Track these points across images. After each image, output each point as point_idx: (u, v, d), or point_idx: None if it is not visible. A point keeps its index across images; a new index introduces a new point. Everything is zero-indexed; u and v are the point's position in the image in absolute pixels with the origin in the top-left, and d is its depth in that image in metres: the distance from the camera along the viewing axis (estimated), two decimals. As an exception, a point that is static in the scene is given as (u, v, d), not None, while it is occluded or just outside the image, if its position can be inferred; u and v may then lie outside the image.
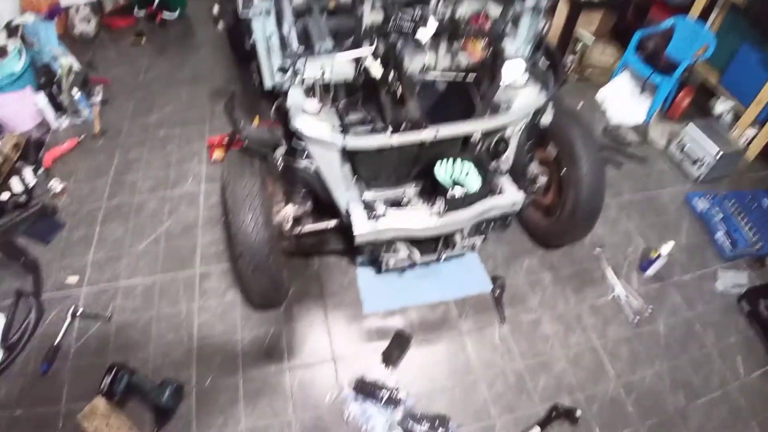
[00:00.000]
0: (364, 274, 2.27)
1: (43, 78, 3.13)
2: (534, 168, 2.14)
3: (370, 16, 1.76)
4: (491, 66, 1.79)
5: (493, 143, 1.82)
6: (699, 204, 2.74)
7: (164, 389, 1.80)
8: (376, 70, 1.62)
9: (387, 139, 1.63)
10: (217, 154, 2.83)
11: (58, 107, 3.12)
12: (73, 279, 2.27)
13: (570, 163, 1.99)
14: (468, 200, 1.75)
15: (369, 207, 1.77)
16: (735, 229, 2.61)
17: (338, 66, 1.73)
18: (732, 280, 2.39)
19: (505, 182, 1.89)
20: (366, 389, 1.87)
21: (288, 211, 1.93)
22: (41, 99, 3.00)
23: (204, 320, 2.12)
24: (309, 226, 1.97)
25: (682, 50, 3.23)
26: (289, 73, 1.68)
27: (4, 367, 1.95)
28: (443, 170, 1.74)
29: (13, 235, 2.39)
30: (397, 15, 1.62)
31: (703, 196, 2.78)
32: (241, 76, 3.51)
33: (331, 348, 2.05)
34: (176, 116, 3.20)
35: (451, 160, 1.76)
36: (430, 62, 1.82)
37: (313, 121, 1.63)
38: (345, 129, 1.74)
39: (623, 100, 3.37)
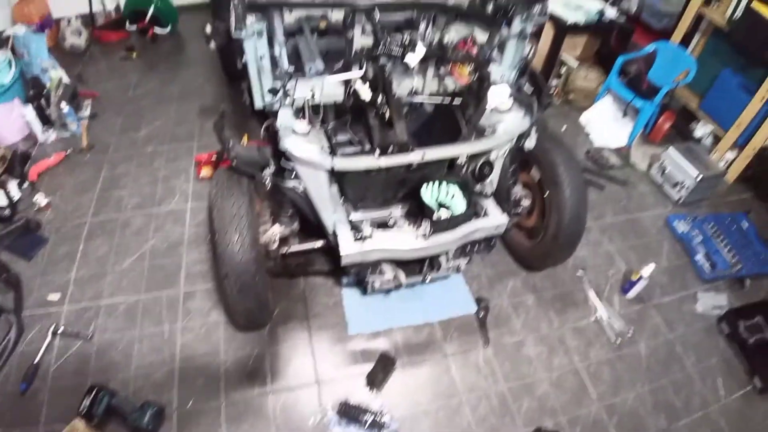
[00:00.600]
0: (350, 295, 2.27)
1: (32, 90, 3.12)
2: (518, 191, 2.18)
3: (360, 40, 1.79)
4: (477, 90, 1.83)
5: (478, 166, 1.85)
6: (679, 226, 2.79)
7: (145, 412, 1.77)
8: (365, 93, 1.65)
9: (375, 161, 1.65)
10: (205, 171, 2.83)
11: (46, 120, 3.11)
12: (54, 296, 2.24)
13: (553, 187, 2.03)
14: (453, 222, 1.78)
15: (356, 228, 1.79)
16: (714, 251, 2.67)
17: (328, 88, 1.76)
18: (712, 302, 2.43)
19: (490, 205, 1.92)
20: (350, 413, 1.86)
21: (275, 231, 1.93)
22: (29, 111, 2.99)
23: (187, 341, 2.10)
24: (295, 247, 1.97)
25: (663, 75, 3.33)
26: (280, 94, 1.70)
27: (-18, 385, 1.91)
28: (429, 193, 1.77)
29: (-5, 250, 2.35)
30: (387, 40, 1.65)
31: (684, 218, 2.84)
32: (231, 93, 3.53)
33: (315, 370, 2.04)
34: (165, 132, 3.20)
35: (436, 183, 1.79)
36: (418, 86, 1.86)
37: (302, 142, 1.64)
38: (333, 150, 1.76)
39: (606, 124, 3.45)
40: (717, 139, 3.28)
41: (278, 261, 1.97)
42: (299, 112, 1.74)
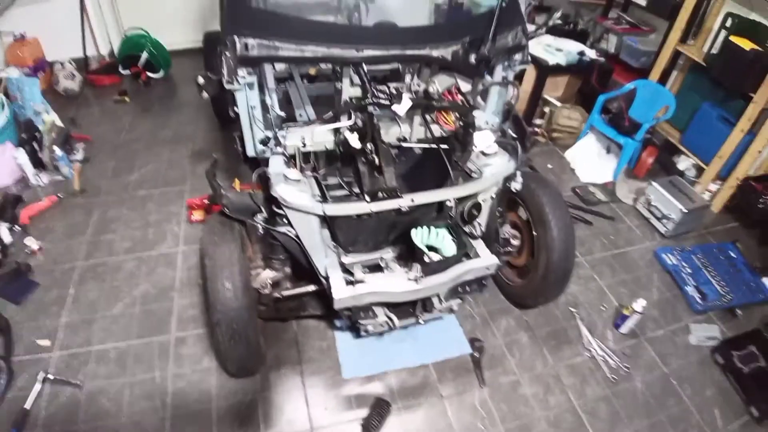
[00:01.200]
0: (343, 338, 2.26)
1: (25, 134, 3.14)
2: (507, 231, 2.21)
3: (349, 90, 1.85)
4: (463, 136, 1.88)
5: (466, 208, 1.88)
6: (668, 259, 2.83)
7: (135, 463, 1.73)
8: (354, 142, 1.70)
9: (365, 206, 1.68)
10: (197, 215, 2.84)
11: (39, 163, 3.12)
12: (44, 342, 2.20)
13: (541, 227, 2.07)
14: (444, 265, 1.79)
15: (347, 272, 1.80)
16: (704, 282, 2.70)
17: (318, 136, 1.80)
18: (704, 333, 2.44)
19: (480, 246, 1.94)
20: (345, 460, 1.82)
21: (267, 276, 1.94)
22: (21, 155, 3.01)
23: (179, 388, 2.06)
24: (288, 291, 1.97)
25: (644, 111, 3.44)
26: (271, 143, 1.74)
27: (-29, 432, 1.86)
28: (419, 237, 1.79)
29: (-16, 295, 2.33)
30: (374, 91, 1.71)
31: (672, 251, 2.88)
32: (223, 137, 3.58)
33: (309, 417, 2.00)
34: (156, 176, 3.22)
35: (426, 227, 1.82)
36: (405, 133, 1.91)
37: (293, 190, 1.67)
38: (324, 196, 1.79)
39: (591, 160, 3.53)
40: (700, 171, 3.37)
41: (270, 305, 1.97)
42: (290, 160, 1.78)
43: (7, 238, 2.64)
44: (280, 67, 1.94)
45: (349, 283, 1.76)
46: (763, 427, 2.10)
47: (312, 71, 2.53)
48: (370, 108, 1.74)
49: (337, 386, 2.10)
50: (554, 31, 4.02)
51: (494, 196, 1.92)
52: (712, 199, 3.29)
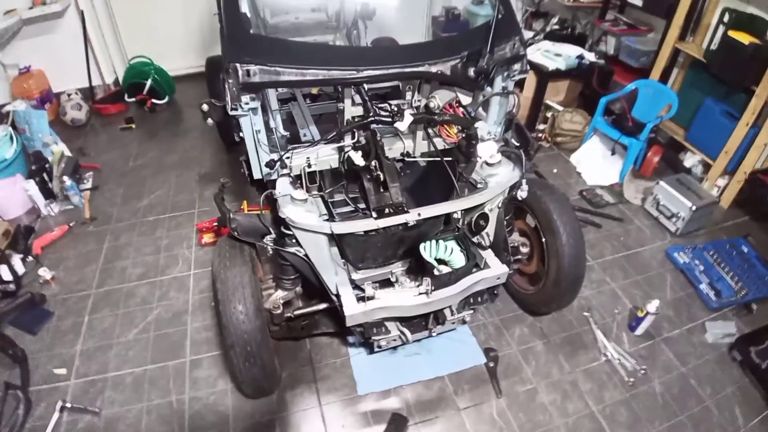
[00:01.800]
0: (357, 355, 2.26)
1: (34, 165, 3.20)
2: (515, 239, 2.21)
3: (351, 109, 1.87)
4: (466, 148, 1.89)
5: (473, 219, 1.88)
6: (680, 257, 2.81)
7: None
8: (358, 160, 1.72)
9: (372, 223, 1.70)
10: (207, 237, 2.87)
11: (49, 194, 3.18)
12: (61, 371, 2.22)
13: (549, 234, 2.07)
14: (454, 277, 1.80)
15: (358, 288, 1.81)
16: (718, 278, 2.67)
17: (322, 156, 1.83)
18: (721, 331, 2.42)
19: (489, 256, 1.94)
20: (364, 478, 1.82)
21: (278, 296, 1.95)
22: (32, 186, 3.06)
23: (195, 411, 2.07)
24: (299, 310, 1.98)
25: (647, 111, 3.43)
26: (277, 165, 1.77)
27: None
28: (428, 251, 1.80)
29: (0, 325, 2.36)
30: (375, 109, 1.74)
31: (683, 249, 2.86)
32: (229, 160, 3.63)
33: (326, 436, 2.00)
34: (166, 201, 3.26)
35: (434, 240, 1.82)
36: (409, 147, 1.93)
37: (300, 210, 1.69)
38: (331, 215, 1.81)
39: (596, 163, 3.52)
40: (707, 168, 3.35)
41: (283, 325, 1.98)
42: (297, 180, 1.80)
43: (21, 269, 2.68)
44: (282, 88, 1.97)
45: (360, 299, 1.77)
46: (784, 421, 2.08)
47: (314, 91, 2.57)
48: (373, 126, 1.76)
49: (353, 403, 2.10)
50: (552, 36, 4.06)
51: (500, 205, 1.92)
52: (721, 194, 3.27)
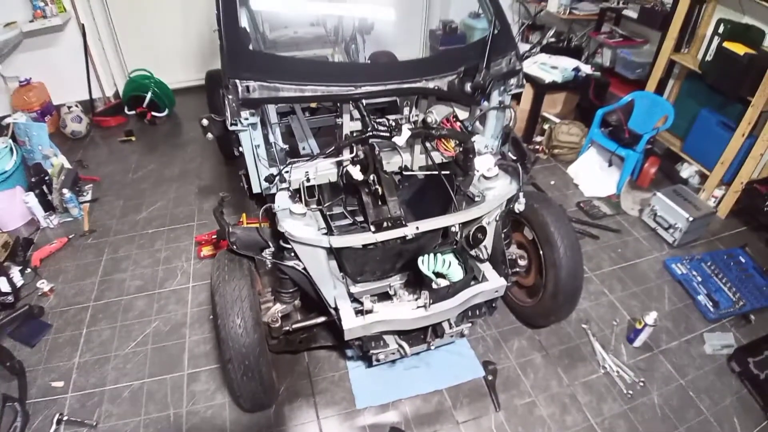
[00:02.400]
0: (355, 368, 2.25)
1: (34, 177, 3.21)
2: (513, 252, 2.22)
3: (349, 124, 1.89)
4: (464, 161, 1.91)
5: (471, 232, 1.90)
6: (678, 269, 2.81)
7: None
8: (356, 174, 1.73)
9: (370, 237, 1.70)
10: (206, 250, 2.88)
11: (48, 206, 3.18)
12: (58, 383, 2.21)
13: (547, 246, 2.08)
14: (452, 290, 1.80)
15: (357, 302, 1.81)
16: (716, 289, 2.68)
17: (321, 170, 1.84)
18: (719, 342, 2.42)
19: (487, 269, 1.95)
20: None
21: (277, 309, 1.95)
22: (31, 198, 3.06)
23: (193, 425, 2.06)
24: (298, 323, 1.98)
25: (643, 122, 3.46)
26: (276, 180, 1.78)
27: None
28: (426, 265, 1.80)
29: (-1, 337, 2.36)
30: (374, 124, 1.75)
31: (681, 260, 2.86)
32: (228, 173, 3.65)
33: (324, 450, 2.00)
34: (165, 214, 3.27)
35: (432, 254, 1.83)
36: (407, 161, 1.94)
37: (299, 224, 1.70)
38: (330, 229, 1.82)
39: (593, 174, 3.54)
40: (704, 178, 3.37)
41: (281, 338, 1.98)
42: (296, 194, 1.81)
43: (19, 281, 2.68)
44: (282, 103, 1.99)
45: (359, 312, 1.77)
46: (783, 432, 2.07)
47: (313, 104, 2.59)
48: (371, 140, 1.77)
49: (352, 417, 2.09)
50: (548, 48, 4.10)
51: (498, 218, 1.94)
52: (718, 205, 3.29)
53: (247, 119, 1.65)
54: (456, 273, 1.82)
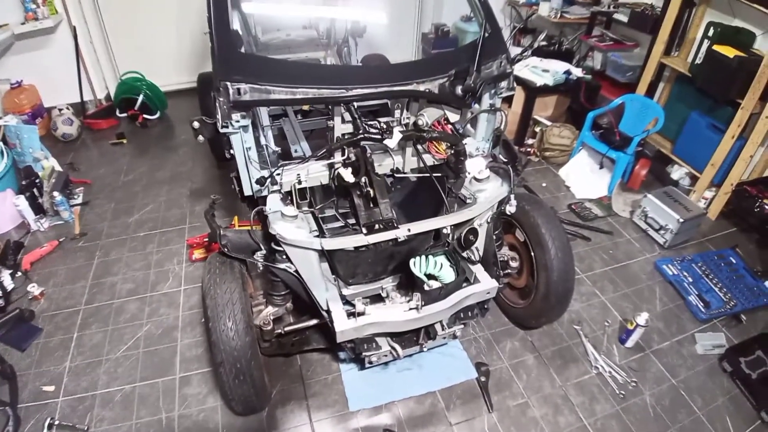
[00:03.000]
0: (348, 370, 2.25)
1: (25, 180, 3.18)
2: (505, 253, 2.23)
3: (341, 127, 1.89)
4: (455, 164, 1.91)
5: (463, 234, 1.90)
6: (669, 270, 2.84)
7: None
8: (348, 176, 1.73)
9: (362, 239, 1.70)
10: (197, 253, 2.86)
11: (39, 209, 3.16)
12: (49, 388, 2.20)
13: (538, 248, 2.09)
14: (444, 292, 1.80)
15: (349, 304, 1.81)
16: (707, 290, 2.70)
17: (312, 172, 1.84)
18: (710, 342, 2.44)
19: (479, 271, 1.95)
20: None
21: (269, 312, 1.95)
22: (22, 201, 3.04)
23: (185, 428, 2.05)
24: (290, 326, 1.98)
25: (634, 125, 3.49)
26: (267, 182, 1.78)
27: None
28: (417, 267, 1.81)
29: (-12, 342, 2.34)
30: (365, 127, 1.76)
31: (672, 261, 2.89)
32: (220, 176, 3.64)
33: (317, 454, 1.99)
34: (156, 216, 3.26)
35: (424, 255, 1.83)
36: (398, 164, 1.95)
37: (290, 226, 1.70)
38: (321, 231, 1.82)
39: (584, 176, 3.57)
40: (694, 180, 3.40)
41: (273, 341, 1.98)
42: (287, 197, 1.81)
43: (10, 285, 2.66)
44: (273, 105, 1.99)
45: (351, 315, 1.77)
46: (774, 431, 2.09)
47: (305, 107, 2.59)
48: (362, 143, 1.78)
49: (345, 419, 2.09)
50: (540, 52, 4.13)
51: (490, 220, 1.94)
52: (708, 206, 3.32)
53: (238, 122, 1.65)
54: (448, 275, 1.83)
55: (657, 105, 3.48)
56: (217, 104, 1.62)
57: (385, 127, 1.78)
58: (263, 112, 2.11)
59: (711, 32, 3.16)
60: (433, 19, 5.13)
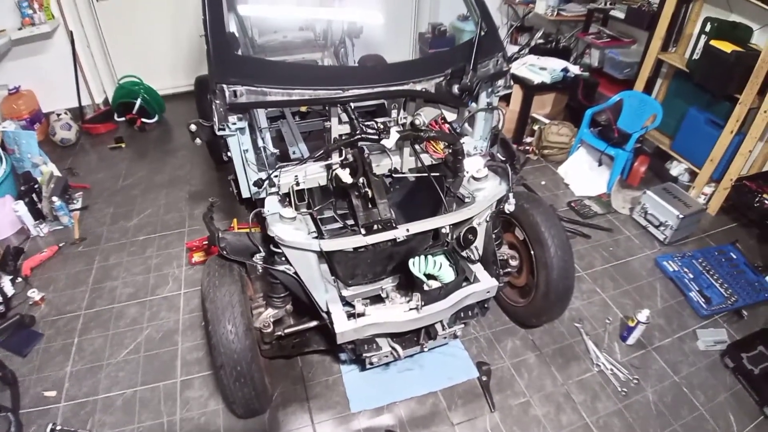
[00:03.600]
0: (349, 372, 2.25)
1: (24, 186, 3.19)
2: (504, 252, 2.22)
3: (338, 128, 1.89)
4: (453, 163, 1.91)
5: (462, 233, 1.90)
6: (669, 266, 2.83)
7: None
8: (345, 177, 1.72)
9: (360, 239, 1.70)
10: (197, 256, 2.86)
11: (38, 214, 3.16)
12: (51, 393, 2.20)
13: (538, 246, 2.08)
14: (444, 292, 1.80)
15: (348, 305, 1.81)
16: (708, 286, 2.70)
17: (310, 174, 1.84)
18: (712, 338, 2.43)
19: (478, 270, 1.95)
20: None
21: (268, 314, 1.94)
22: (21, 207, 3.04)
23: (186, 432, 2.06)
24: (290, 328, 1.98)
25: (632, 122, 3.49)
26: (265, 184, 1.77)
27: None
28: (417, 267, 1.80)
29: (-10, 348, 2.34)
30: (362, 127, 1.75)
31: (672, 257, 2.88)
32: (219, 178, 3.64)
33: (319, 454, 1.99)
34: (155, 220, 3.26)
35: (423, 255, 1.83)
36: (396, 164, 1.94)
37: (289, 228, 1.69)
38: (320, 233, 1.81)
39: (583, 174, 3.56)
40: (693, 176, 3.40)
41: (273, 343, 1.97)
42: (285, 198, 1.81)
43: (10, 290, 2.66)
44: (271, 107, 1.98)
45: (351, 316, 1.76)
46: (778, 426, 2.09)
47: (303, 108, 2.58)
48: (360, 143, 1.77)
49: (346, 421, 2.09)
50: (537, 50, 4.12)
51: (489, 219, 1.94)
52: (708, 202, 3.31)
53: (234, 124, 1.64)
54: (447, 274, 1.82)
55: (655, 101, 3.48)
56: (213, 107, 1.62)
57: (382, 127, 1.77)
58: (261, 114, 2.11)
59: (708, 27, 3.15)
60: (429, 19, 5.14)
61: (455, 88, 1.71)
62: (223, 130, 1.65)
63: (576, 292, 2.23)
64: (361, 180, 1.75)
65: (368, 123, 1.82)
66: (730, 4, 3.17)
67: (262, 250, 1.81)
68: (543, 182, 3.63)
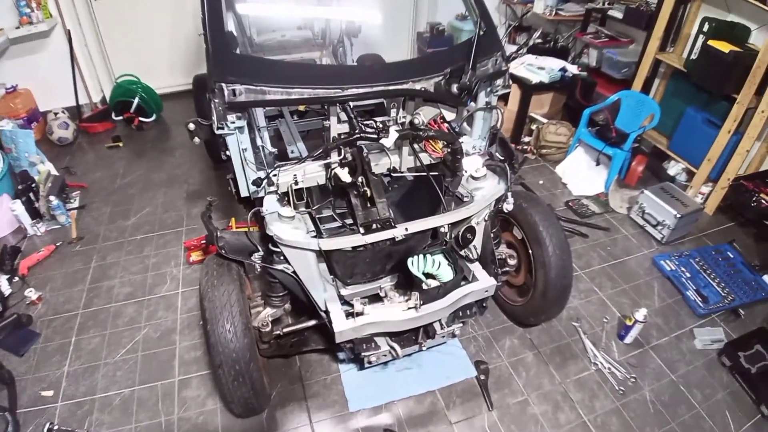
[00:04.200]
0: (347, 371, 2.25)
1: (21, 185, 3.17)
2: (503, 251, 2.23)
3: (337, 127, 1.89)
4: (452, 162, 1.91)
5: (461, 232, 1.90)
6: (666, 265, 2.84)
7: None
8: (344, 176, 1.73)
9: (359, 239, 1.70)
10: (195, 255, 2.86)
11: (35, 214, 3.15)
12: (48, 393, 2.19)
13: (536, 245, 2.09)
14: (442, 291, 1.80)
15: (347, 304, 1.81)
16: (705, 285, 2.71)
17: (309, 173, 1.84)
18: (709, 337, 2.44)
19: (477, 269, 1.95)
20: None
21: (267, 313, 1.94)
22: (18, 206, 3.03)
23: (184, 431, 2.04)
24: (288, 327, 1.98)
25: (630, 121, 3.50)
26: (264, 183, 1.77)
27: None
28: (415, 266, 1.81)
29: (-14, 348, 2.33)
30: (361, 126, 1.76)
31: (670, 256, 2.89)
32: (217, 177, 3.63)
33: (317, 454, 1.99)
34: (153, 219, 3.25)
35: (422, 254, 1.83)
36: (395, 163, 1.95)
37: (287, 227, 1.69)
38: (319, 232, 1.81)
39: (581, 173, 3.57)
40: (691, 175, 3.41)
41: (272, 342, 1.97)
42: (284, 197, 1.81)
43: (7, 290, 2.65)
44: (269, 106, 1.98)
45: (350, 315, 1.77)
46: (775, 424, 2.10)
47: (302, 107, 2.58)
48: (359, 143, 1.77)
49: (345, 420, 2.09)
50: (535, 49, 4.13)
51: (487, 218, 1.94)
52: (705, 201, 3.32)
53: (233, 123, 1.64)
54: (446, 273, 1.83)
55: (653, 101, 3.48)
56: (212, 105, 1.62)
57: (381, 126, 1.78)
58: (259, 113, 2.11)
59: (706, 27, 3.16)
60: (428, 18, 5.14)
61: (454, 88, 1.71)
62: (222, 128, 1.65)
63: (574, 291, 2.23)
64: (359, 179, 1.75)
65: (367, 122, 1.82)
66: (728, 4, 3.18)
67: (260, 249, 1.81)
68: (541, 182, 3.63)
